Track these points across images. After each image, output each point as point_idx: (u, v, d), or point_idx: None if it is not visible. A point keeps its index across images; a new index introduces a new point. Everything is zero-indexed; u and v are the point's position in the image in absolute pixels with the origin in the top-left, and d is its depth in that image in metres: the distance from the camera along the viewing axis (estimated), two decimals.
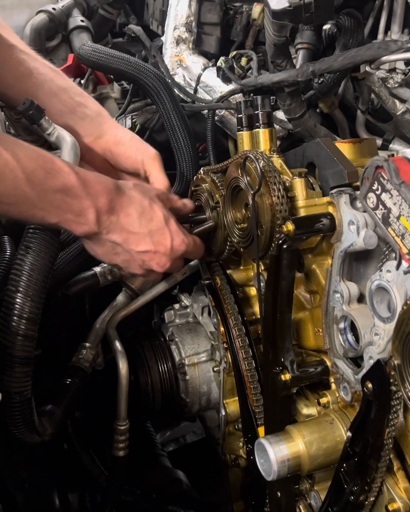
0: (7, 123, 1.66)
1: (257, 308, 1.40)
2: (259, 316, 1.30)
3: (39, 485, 1.61)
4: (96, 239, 1.17)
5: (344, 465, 1.08)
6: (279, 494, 1.24)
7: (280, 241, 1.10)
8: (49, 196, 1.04)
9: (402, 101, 1.47)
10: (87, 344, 1.55)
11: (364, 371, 1.04)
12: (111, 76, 2.18)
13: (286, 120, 1.63)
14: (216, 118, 1.77)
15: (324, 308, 1.14)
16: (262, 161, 1.16)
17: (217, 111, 1.77)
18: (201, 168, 1.43)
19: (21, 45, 1.34)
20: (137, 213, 1.15)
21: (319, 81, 1.60)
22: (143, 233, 1.16)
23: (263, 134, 1.31)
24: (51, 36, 2.23)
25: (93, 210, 1.08)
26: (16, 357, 1.21)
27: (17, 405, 1.22)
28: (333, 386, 1.18)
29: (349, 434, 1.07)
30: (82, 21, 2.19)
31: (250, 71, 1.83)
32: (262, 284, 1.27)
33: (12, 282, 1.21)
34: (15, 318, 1.20)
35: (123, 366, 1.51)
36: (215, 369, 1.51)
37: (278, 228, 1.12)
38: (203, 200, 1.37)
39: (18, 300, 1.21)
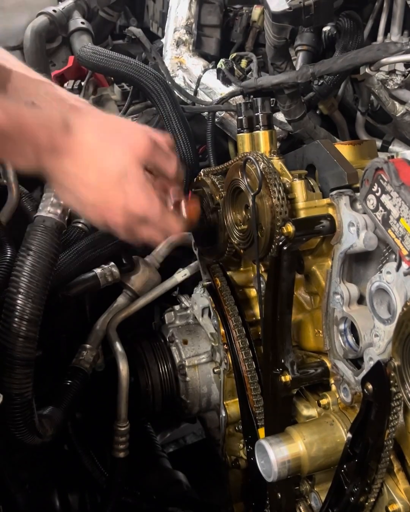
0: None
1: (257, 310, 1.40)
2: (259, 318, 1.30)
3: (39, 486, 1.61)
4: (51, 181, 1.01)
5: (344, 466, 1.08)
6: (279, 495, 1.24)
7: (280, 243, 1.10)
8: None
9: (402, 102, 1.47)
10: (88, 346, 1.55)
11: (364, 372, 1.04)
12: (112, 78, 2.19)
13: (286, 121, 1.64)
14: (216, 120, 1.78)
15: (324, 309, 1.14)
16: (262, 163, 1.17)
17: (217, 113, 1.77)
18: (202, 170, 1.43)
19: None
20: (86, 161, 0.96)
21: (319, 83, 1.60)
22: (92, 185, 0.97)
23: (263, 136, 1.31)
24: (51, 38, 2.23)
25: (31, 148, 0.92)
26: (17, 359, 1.21)
27: (18, 406, 1.22)
28: (333, 387, 1.18)
29: (349, 435, 1.07)
30: (82, 23, 2.19)
31: (250, 73, 1.83)
32: (262, 285, 1.27)
33: (13, 283, 1.21)
34: (16, 319, 1.21)
35: (123, 367, 1.51)
36: (215, 370, 1.52)
37: (278, 230, 1.12)
38: (203, 203, 1.37)
39: (19, 301, 1.21)
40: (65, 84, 2.24)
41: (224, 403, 1.48)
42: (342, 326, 1.11)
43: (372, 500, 1.05)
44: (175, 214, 1.07)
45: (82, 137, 0.95)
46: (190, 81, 1.90)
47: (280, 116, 1.69)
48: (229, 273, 1.44)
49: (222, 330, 1.41)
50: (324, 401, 1.18)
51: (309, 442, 1.12)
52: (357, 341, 1.09)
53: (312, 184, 1.23)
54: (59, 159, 0.95)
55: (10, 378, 1.21)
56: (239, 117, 1.36)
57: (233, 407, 1.47)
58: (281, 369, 1.18)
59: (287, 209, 1.14)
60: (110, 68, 1.77)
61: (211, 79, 1.85)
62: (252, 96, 1.62)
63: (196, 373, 1.55)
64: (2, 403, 1.14)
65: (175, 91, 1.83)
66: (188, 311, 1.64)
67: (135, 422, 1.58)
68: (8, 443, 1.41)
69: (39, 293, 1.22)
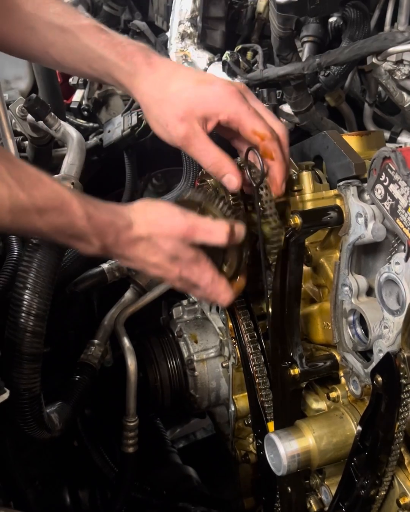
0: (13, 120, 1.66)
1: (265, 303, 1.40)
2: (267, 311, 1.29)
3: (49, 482, 1.61)
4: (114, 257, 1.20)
5: (355, 459, 1.07)
6: (289, 489, 1.23)
7: (288, 235, 1.09)
8: (59, 232, 1.06)
9: None
10: (96, 341, 1.55)
11: (373, 364, 1.04)
12: None
13: (292, 113, 1.62)
14: None
15: (333, 301, 1.13)
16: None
17: None
18: None
19: None
20: (143, 250, 1.13)
21: (325, 74, 1.58)
22: (151, 265, 1.15)
23: None
24: None
25: (98, 245, 1.09)
26: (24, 354, 1.21)
27: (26, 401, 1.22)
28: (343, 380, 1.18)
29: (359, 428, 1.06)
30: (87, 17, 2.18)
31: (255, 65, 1.81)
32: (269, 278, 1.27)
33: (20, 279, 1.21)
34: (23, 315, 1.20)
35: (131, 362, 1.51)
36: (224, 364, 1.51)
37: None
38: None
39: (26, 297, 1.21)
40: (70, 80, 2.24)
41: (233, 397, 1.48)
42: (351, 318, 1.11)
43: (383, 493, 1.05)
44: (224, 284, 1.17)
45: (138, 231, 1.10)
46: None
47: (286, 108, 1.67)
48: None
49: (230, 324, 1.41)
50: (333, 394, 1.17)
51: (318, 435, 1.11)
52: (366, 333, 1.08)
53: (319, 175, 1.22)
54: (120, 249, 1.12)
55: (18, 373, 1.21)
56: None
57: (242, 401, 1.46)
58: (289, 363, 1.17)
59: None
60: None
61: (217, 72, 1.83)
62: (258, 88, 1.61)
63: (205, 368, 1.54)
64: (10, 398, 1.13)
65: None
66: (196, 306, 1.64)
67: (144, 418, 1.58)
68: (17, 439, 1.41)
69: (46, 288, 1.22)
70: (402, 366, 0.94)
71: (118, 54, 1.17)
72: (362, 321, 1.09)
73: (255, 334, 1.34)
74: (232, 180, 1.15)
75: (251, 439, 1.47)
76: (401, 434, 0.99)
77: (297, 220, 1.07)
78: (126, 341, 1.54)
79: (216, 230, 1.11)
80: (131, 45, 1.18)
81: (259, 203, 1.16)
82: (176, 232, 1.10)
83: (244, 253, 1.19)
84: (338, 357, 1.17)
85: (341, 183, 1.10)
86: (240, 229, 1.13)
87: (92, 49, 1.18)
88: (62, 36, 1.19)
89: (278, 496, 1.30)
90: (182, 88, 1.13)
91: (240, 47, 1.87)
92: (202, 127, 1.13)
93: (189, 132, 1.13)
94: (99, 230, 1.07)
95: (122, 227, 1.09)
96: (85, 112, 2.26)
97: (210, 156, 1.15)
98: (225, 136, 1.22)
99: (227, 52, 1.80)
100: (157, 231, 1.10)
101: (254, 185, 1.15)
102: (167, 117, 1.14)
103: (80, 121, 2.26)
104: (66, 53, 1.22)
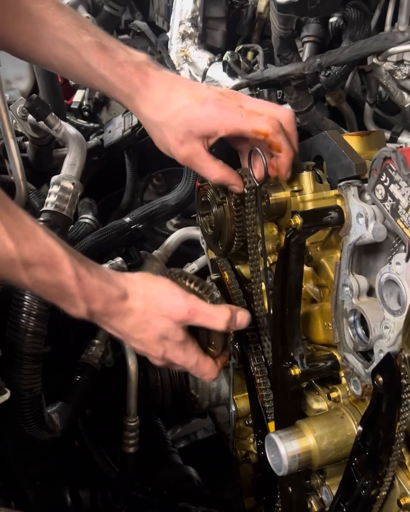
0: (14, 121, 1.66)
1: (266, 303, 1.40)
2: (268, 311, 1.29)
3: (50, 482, 1.61)
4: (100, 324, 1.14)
5: (355, 459, 1.07)
6: (290, 489, 1.23)
7: (288, 235, 1.09)
8: (44, 288, 1.02)
9: None
10: (97, 341, 1.55)
11: (374, 364, 1.03)
12: None
13: None
14: None
15: (333, 302, 1.13)
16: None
17: None
18: None
19: None
20: (132, 324, 1.09)
21: (326, 74, 1.58)
22: (136, 340, 1.11)
23: None
24: None
25: (85, 308, 1.04)
26: (25, 354, 1.21)
27: (27, 401, 1.22)
28: (343, 380, 1.17)
29: (360, 428, 1.06)
30: (87, 17, 2.18)
31: (256, 65, 1.82)
32: (269, 279, 1.27)
33: None
34: (24, 315, 1.21)
35: (132, 362, 1.51)
36: None
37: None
38: (209, 196, 1.36)
39: (27, 297, 1.21)
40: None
41: (234, 397, 1.48)
42: (351, 318, 1.11)
43: (384, 493, 1.05)
44: (209, 364, 1.14)
45: (133, 304, 1.07)
46: (196, 74, 1.89)
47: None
48: (236, 267, 1.44)
49: None
50: (334, 394, 1.17)
51: (319, 435, 1.11)
52: (367, 333, 1.08)
53: (320, 175, 1.22)
54: (107, 317, 1.07)
55: (19, 373, 1.21)
56: None
57: (242, 401, 1.46)
58: (290, 363, 1.17)
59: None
60: None
61: (217, 72, 1.83)
62: (258, 88, 1.61)
63: None
64: (11, 398, 1.14)
65: None
66: None
67: (145, 418, 1.58)
68: (18, 439, 1.42)
69: None
70: (402, 366, 0.93)
71: (118, 76, 1.18)
72: (363, 321, 1.09)
73: (255, 334, 1.34)
74: (235, 189, 1.21)
75: (251, 439, 1.47)
76: (402, 434, 0.98)
77: (298, 220, 1.06)
78: None
79: (217, 316, 1.09)
80: (130, 64, 1.19)
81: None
82: (175, 314, 1.07)
83: (230, 333, 1.16)
84: (338, 357, 1.17)
85: (341, 183, 1.10)
86: (242, 317, 1.11)
87: (93, 68, 1.19)
88: (65, 51, 1.20)
89: (278, 496, 1.30)
90: (179, 109, 1.17)
91: (240, 47, 1.87)
92: (203, 146, 1.17)
93: (191, 153, 1.18)
94: (87, 294, 1.02)
95: (114, 297, 1.05)
96: (86, 113, 2.26)
97: (213, 172, 1.19)
98: (229, 142, 1.26)
99: (228, 52, 1.80)
100: (154, 310, 1.07)
101: (257, 186, 1.16)
102: (169, 141, 1.18)
103: (81, 122, 2.27)
104: (69, 68, 1.23)
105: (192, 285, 1.11)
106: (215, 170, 1.19)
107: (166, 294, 1.09)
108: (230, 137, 1.19)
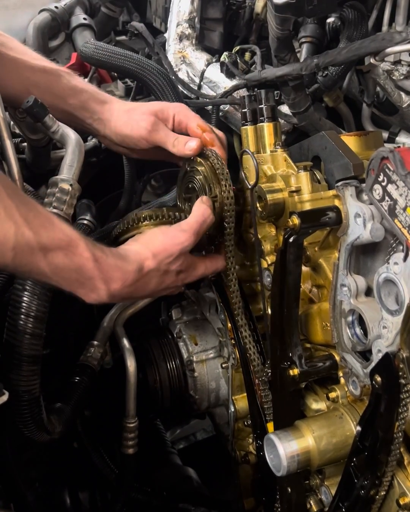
0: (11, 123, 1.66)
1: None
2: (266, 311, 1.29)
3: (49, 484, 1.61)
4: None
5: (354, 459, 1.07)
6: (289, 489, 1.23)
7: (286, 235, 1.09)
8: (63, 274, 1.06)
9: (408, 93, 1.47)
10: (95, 342, 1.54)
11: (372, 364, 1.04)
12: (115, 74, 2.18)
13: (290, 114, 1.63)
14: (220, 113, 1.77)
15: (332, 302, 1.13)
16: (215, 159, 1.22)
17: (221, 106, 1.76)
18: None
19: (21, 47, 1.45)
20: (153, 285, 1.20)
21: (324, 75, 1.59)
22: (157, 291, 1.25)
23: (267, 128, 1.31)
24: (54, 35, 2.21)
25: (105, 291, 1.10)
26: (24, 356, 1.21)
27: (26, 403, 1.22)
28: (342, 380, 1.18)
29: (358, 428, 1.06)
30: (84, 19, 2.17)
31: (253, 65, 1.82)
32: (268, 279, 1.27)
33: (19, 280, 1.21)
34: (22, 316, 1.20)
35: (131, 364, 1.51)
36: (223, 365, 1.51)
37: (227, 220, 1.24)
38: (197, 184, 1.31)
39: (25, 298, 1.21)
40: None
41: (233, 398, 1.48)
42: (349, 319, 1.11)
43: (383, 493, 1.05)
44: (214, 260, 1.32)
45: (150, 265, 1.17)
46: (194, 75, 1.89)
47: (284, 109, 1.67)
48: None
49: (229, 325, 1.41)
50: (332, 395, 1.17)
51: (318, 435, 1.11)
52: (365, 333, 1.08)
53: (317, 175, 1.22)
54: (130, 290, 1.15)
55: (18, 375, 1.21)
56: (243, 110, 1.35)
57: (241, 402, 1.47)
58: (289, 363, 1.17)
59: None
60: (113, 63, 1.76)
61: (215, 73, 1.84)
62: (256, 89, 1.61)
63: (205, 369, 1.54)
64: (9, 400, 1.13)
65: (179, 86, 1.82)
66: (196, 307, 1.64)
67: (144, 419, 1.58)
68: (17, 441, 1.41)
69: (45, 290, 1.22)
70: (401, 366, 0.94)
71: (95, 89, 1.48)
72: (361, 321, 1.09)
73: (254, 334, 1.34)
74: (191, 145, 1.30)
75: (250, 440, 1.47)
76: (400, 434, 0.99)
77: (296, 220, 1.07)
78: (125, 342, 1.53)
79: (199, 226, 1.21)
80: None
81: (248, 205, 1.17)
82: (179, 247, 1.18)
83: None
84: (337, 358, 1.17)
85: (339, 184, 1.10)
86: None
87: (73, 85, 1.42)
88: (45, 77, 1.39)
89: (278, 496, 1.30)
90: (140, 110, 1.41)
91: (238, 48, 1.87)
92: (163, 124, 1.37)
93: (153, 126, 1.36)
94: (105, 274, 1.08)
95: (130, 272, 1.13)
96: None
97: (171, 136, 1.34)
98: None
99: (225, 53, 1.80)
100: (164, 257, 1.18)
101: (249, 187, 1.16)
102: (133, 122, 1.38)
103: None
104: (46, 92, 1.39)
105: (158, 220, 1.27)
106: (173, 135, 1.35)
107: (167, 237, 1.20)
108: (178, 129, 1.38)
